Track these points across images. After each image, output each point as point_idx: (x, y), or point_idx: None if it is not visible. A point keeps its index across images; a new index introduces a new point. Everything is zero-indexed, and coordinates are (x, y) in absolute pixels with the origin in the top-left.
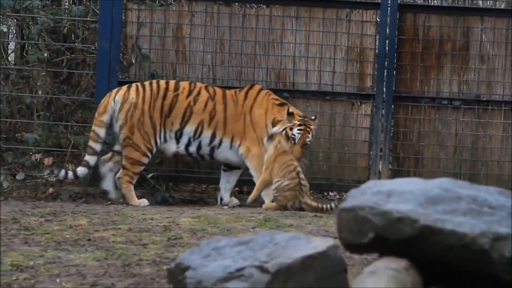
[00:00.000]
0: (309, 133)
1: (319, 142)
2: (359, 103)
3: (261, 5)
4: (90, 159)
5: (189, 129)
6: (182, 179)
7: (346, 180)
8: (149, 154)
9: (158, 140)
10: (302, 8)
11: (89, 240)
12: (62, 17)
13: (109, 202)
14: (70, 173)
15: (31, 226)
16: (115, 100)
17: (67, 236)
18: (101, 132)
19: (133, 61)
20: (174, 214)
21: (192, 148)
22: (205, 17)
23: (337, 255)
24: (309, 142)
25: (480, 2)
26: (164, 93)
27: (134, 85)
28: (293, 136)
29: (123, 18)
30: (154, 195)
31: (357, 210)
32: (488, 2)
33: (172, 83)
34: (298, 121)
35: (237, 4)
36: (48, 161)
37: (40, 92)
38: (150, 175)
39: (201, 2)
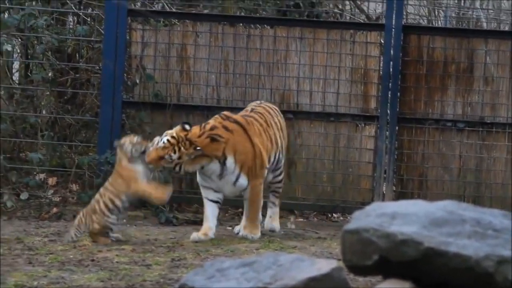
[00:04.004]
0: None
1: (323, 163)
2: (363, 125)
3: (265, 25)
4: None
5: None
6: (185, 200)
7: (350, 202)
8: None
9: None
10: (306, 29)
11: (92, 260)
12: (66, 36)
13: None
14: None
15: (35, 246)
16: None
17: (71, 256)
18: None
19: (138, 81)
20: (177, 234)
21: None
22: (210, 37)
23: (341, 277)
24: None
25: (484, 24)
26: None
27: None
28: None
29: (128, 38)
30: (158, 216)
31: (361, 232)
32: (492, 24)
33: None
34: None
35: (241, 24)
36: (52, 180)
37: (44, 112)
38: None
39: (206, 22)
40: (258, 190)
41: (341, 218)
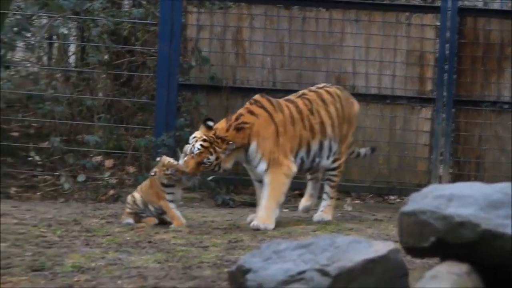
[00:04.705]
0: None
1: (379, 145)
2: (419, 107)
3: (321, 8)
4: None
5: None
6: (242, 182)
7: (406, 184)
8: None
9: None
10: (362, 12)
11: (150, 242)
12: (122, 19)
13: None
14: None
15: (92, 228)
16: None
17: (128, 238)
18: None
19: (193, 63)
20: (234, 216)
21: None
22: (265, 20)
23: (398, 259)
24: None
25: None
26: None
27: None
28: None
29: (183, 20)
30: (214, 198)
31: (418, 214)
32: None
33: None
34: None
35: (296, 7)
36: (108, 163)
37: (100, 94)
38: (211, 177)
39: (261, 5)
40: (279, 179)
41: (398, 200)
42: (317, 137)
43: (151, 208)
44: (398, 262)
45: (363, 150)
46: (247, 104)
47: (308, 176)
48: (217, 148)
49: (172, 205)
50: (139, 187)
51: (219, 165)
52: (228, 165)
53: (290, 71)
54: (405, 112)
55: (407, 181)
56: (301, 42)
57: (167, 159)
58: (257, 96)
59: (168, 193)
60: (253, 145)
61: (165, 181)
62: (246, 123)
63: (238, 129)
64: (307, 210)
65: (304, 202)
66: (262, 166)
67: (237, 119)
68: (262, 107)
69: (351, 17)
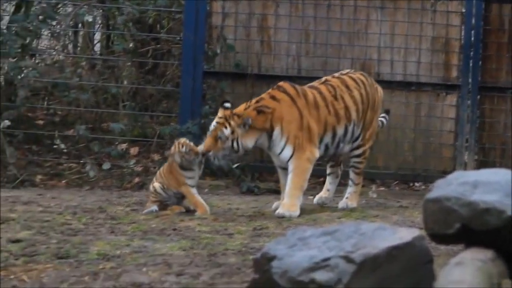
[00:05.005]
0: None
1: (404, 132)
2: (444, 94)
3: None
4: None
5: None
6: (267, 169)
7: (431, 171)
8: None
9: None
10: None
11: (174, 229)
12: (147, 7)
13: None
14: None
15: (117, 215)
16: None
17: (153, 225)
18: None
19: (218, 51)
20: (259, 204)
21: None
22: (290, 7)
23: (423, 245)
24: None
25: None
26: None
27: None
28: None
29: (208, 8)
30: (239, 185)
31: (443, 200)
32: None
33: None
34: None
35: None
36: (134, 150)
37: (125, 82)
38: (236, 165)
39: None
40: (302, 165)
41: (423, 187)
42: (342, 122)
43: (169, 193)
44: (423, 249)
45: (381, 119)
46: (270, 90)
47: (328, 170)
48: (231, 122)
49: (194, 191)
50: (157, 173)
51: (237, 142)
52: (248, 143)
53: (315, 58)
54: (430, 99)
55: (432, 167)
56: (326, 29)
57: (182, 139)
58: (280, 82)
59: (188, 178)
60: (277, 130)
61: (179, 160)
62: (267, 107)
63: (258, 111)
64: (322, 203)
65: (321, 194)
66: (287, 152)
67: (257, 102)
68: (285, 92)
69: (376, 4)
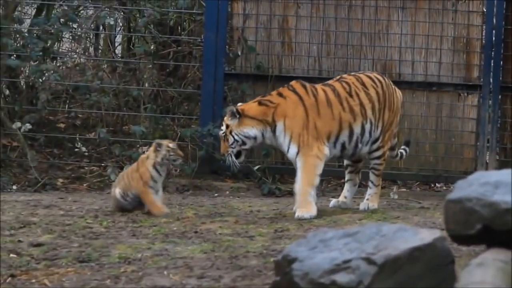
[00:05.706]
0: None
1: (425, 133)
2: (465, 94)
3: None
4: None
5: None
6: (288, 171)
7: (453, 171)
8: None
9: None
10: None
11: (196, 232)
12: (168, 9)
13: (216, 194)
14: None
15: (138, 218)
16: None
17: (174, 228)
18: None
19: (239, 53)
20: (280, 206)
21: None
22: (311, 8)
23: (444, 246)
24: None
25: None
26: None
27: None
28: None
29: (229, 10)
30: (260, 187)
31: (464, 201)
32: None
33: None
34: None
35: None
36: None
37: (146, 85)
38: (257, 167)
39: None
40: (310, 162)
41: (444, 187)
42: (358, 119)
43: (128, 199)
44: (444, 249)
45: (401, 151)
46: (281, 87)
47: (346, 176)
48: (225, 119)
49: (151, 191)
50: (117, 178)
51: (235, 133)
52: (246, 131)
53: (336, 59)
54: (451, 99)
55: (453, 168)
56: (347, 30)
57: (170, 143)
58: (293, 81)
59: (154, 181)
60: (280, 126)
61: (167, 155)
62: (270, 101)
63: (259, 103)
64: (338, 206)
65: (338, 199)
66: (293, 150)
67: (263, 96)
68: (293, 90)
69: (397, 5)
